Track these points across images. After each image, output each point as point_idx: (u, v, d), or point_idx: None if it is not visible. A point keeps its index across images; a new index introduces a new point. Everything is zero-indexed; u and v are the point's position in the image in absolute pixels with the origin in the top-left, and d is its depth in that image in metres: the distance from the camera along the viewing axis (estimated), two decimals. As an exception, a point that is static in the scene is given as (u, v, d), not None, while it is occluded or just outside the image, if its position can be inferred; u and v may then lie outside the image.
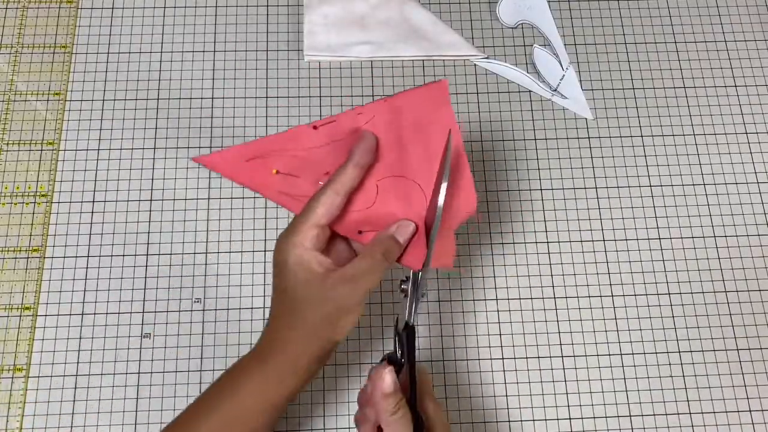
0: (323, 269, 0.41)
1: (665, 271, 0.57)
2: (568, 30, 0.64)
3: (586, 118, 0.61)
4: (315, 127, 0.44)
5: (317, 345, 0.41)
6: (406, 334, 0.41)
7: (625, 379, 0.53)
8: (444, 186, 0.40)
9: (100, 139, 0.59)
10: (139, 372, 0.52)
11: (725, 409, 0.53)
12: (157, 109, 0.60)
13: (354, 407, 0.52)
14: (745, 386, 0.53)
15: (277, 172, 0.44)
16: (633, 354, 0.54)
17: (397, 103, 0.45)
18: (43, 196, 0.57)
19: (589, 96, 0.62)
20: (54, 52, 0.62)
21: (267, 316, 0.54)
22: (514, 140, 0.60)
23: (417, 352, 0.53)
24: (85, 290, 0.54)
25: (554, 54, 0.63)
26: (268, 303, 0.54)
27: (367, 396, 0.41)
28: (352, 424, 0.51)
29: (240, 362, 0.43)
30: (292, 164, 0.44)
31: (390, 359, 0.42)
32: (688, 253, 0.57)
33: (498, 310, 0.55)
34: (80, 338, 0.53)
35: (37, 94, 0.60)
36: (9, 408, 0.51)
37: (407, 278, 0.42)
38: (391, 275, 0.55)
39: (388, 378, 0.39)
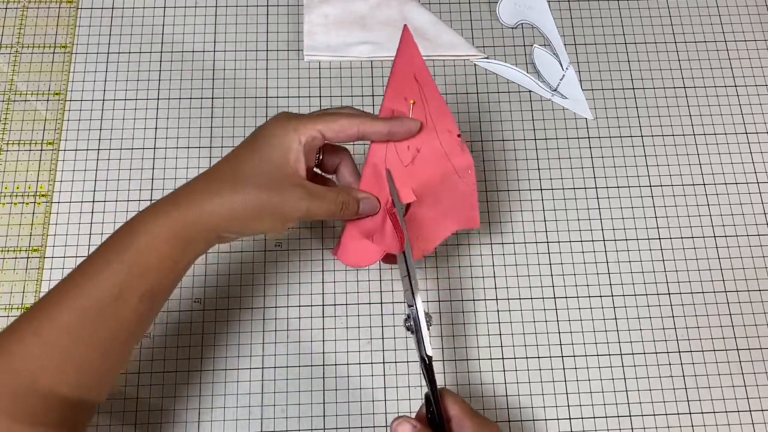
0: (297, 168, 0.40)
1: (665, 271, 0.57)
2: (568, 30, 0.64)
3: (586, 118, 0.61)
4: (459, 135, 0.46)
5: (235, 223, 0.40)
6: (425, 366, 0.42)
7: (625, 379, 0.53)
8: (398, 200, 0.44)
9: (100, 139, 0.59)
10: (139, 372, 0.52)
11: (725, 409, 0.53)
12: (157, 108, 0.60)
13: (354, 407, 0.52)
14: (745, 386, 0.53)
15: (413, 103, 0.46)
16: (633, 354, 0.54)
17: (468, 176, 0.47)
18: (43, 196, 0.57)
19: (589, 96, 0.62)
20: (54, 52, 0.62)
21: (267, 316, 0.54)
22: (514, 140, 0.60)
23: (418, 352, 0.53)
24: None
25: (554, 54, 0.63)
26: (269, 303, 0.54)
27: None
28: (353, 424, 0.51)
29: (144, 212, 0.40)
30: (417, 115, 0.46)
31: (427, 399, 0.42)
32: (688, 253, 0.57)
33: (498, 310, 0.55)
34: (80, 338, 0.53)
35: (37, 94, 0.60)
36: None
37: (408, 315, 0.43)
38: (392, 276, 0.55)
39: (401, 431, 0.39)
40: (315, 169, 0.45)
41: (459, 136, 0.46)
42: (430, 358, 0.42)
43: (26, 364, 0.37)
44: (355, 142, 0.44)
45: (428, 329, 0.42)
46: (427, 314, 0.43)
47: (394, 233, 0.45)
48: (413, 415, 0.42)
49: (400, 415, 0.42)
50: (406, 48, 0.46)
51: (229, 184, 0.39)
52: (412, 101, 0.45)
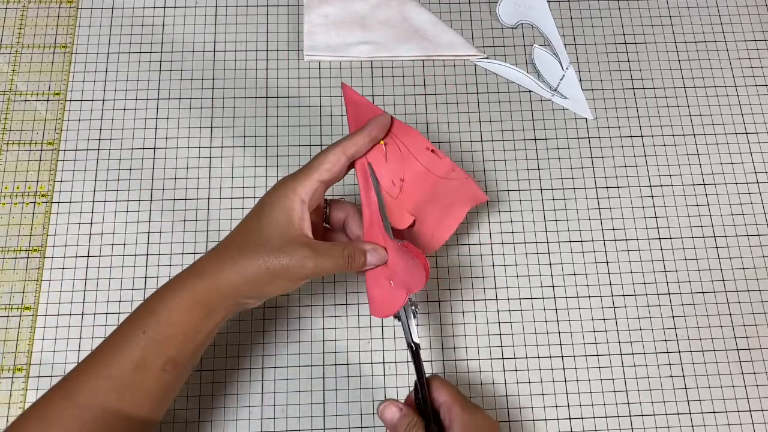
0: (300, 227, 0.42)
1: (665, 271, 0.57)
2: (568, 30, 0.64)
3: (586, 118, 0.61)
4: (433, 150, 0.47)
5: (250, 289, 0.41)
6: (413, 353, 0.43)
7: (625, 379, 0.53)
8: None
9: (100, 139, 0.59)
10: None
11: (725, 409, 0.53)
12: (157, 108, 0.60)
13: (354, 407, 0.52)
14: (745, 386, 0.53)
15: (385, 144, 0.47)
16: (633, 354, 0.54)
17: (454, 174, 0.48)
18: (43, 196, 0.57)
19: (589, 96, 0.62)
20: (54, 52, 0.62)
21: (267, 316, 0.54)
22: (514, 140, 0.60)
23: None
24: (85, 290, 0.54)
25: (554, 54, 0.63)
26: (269, 303, 0.54)
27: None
28: (353, 424, 0.51)
29: (165, 285, 0.42)
30: (391, 148, 0.47)
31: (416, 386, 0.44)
32: (688, 253, 0.57)
33: (498, 310, 0.55)
34: (80, 338, 0.53)
35: (37, 94, 0.60)
36: (9, 408, 0.51)
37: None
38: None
39: (387, 414, 0.42)
40: (324, 225, 0.47)
41: (432, 150, 0.47)
42: (417, 345, 0.43)
43: (63, 425, 0.39)
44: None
45: (414, 317, 0.44)
46: (414, 303, 0.44)
47: (409, 266, 0.44)
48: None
49: (386, 399, 0.43)
50: (349, 100, 0.48)
51: (240, 252, 0.41)
52: (382, 142, 0.47)
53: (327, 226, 0.48)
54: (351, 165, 0.46)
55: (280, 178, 0.44)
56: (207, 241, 0.56)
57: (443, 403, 0.42)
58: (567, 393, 0.53)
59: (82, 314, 0.54)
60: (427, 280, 0.43)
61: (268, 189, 0.45)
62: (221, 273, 0.41)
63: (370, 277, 0.46)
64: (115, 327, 0.42)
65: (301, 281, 0.42)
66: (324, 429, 0.51)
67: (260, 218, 0.42)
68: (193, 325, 0.41)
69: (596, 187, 0.59)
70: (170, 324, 0.40)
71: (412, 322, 0.44)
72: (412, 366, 0.53)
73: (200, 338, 0.42)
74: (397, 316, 0.44)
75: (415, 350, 0.43)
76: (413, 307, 0.44)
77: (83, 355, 0.52)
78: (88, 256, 0.55)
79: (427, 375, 0.44)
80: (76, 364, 0.41)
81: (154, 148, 0.59)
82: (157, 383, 0.41)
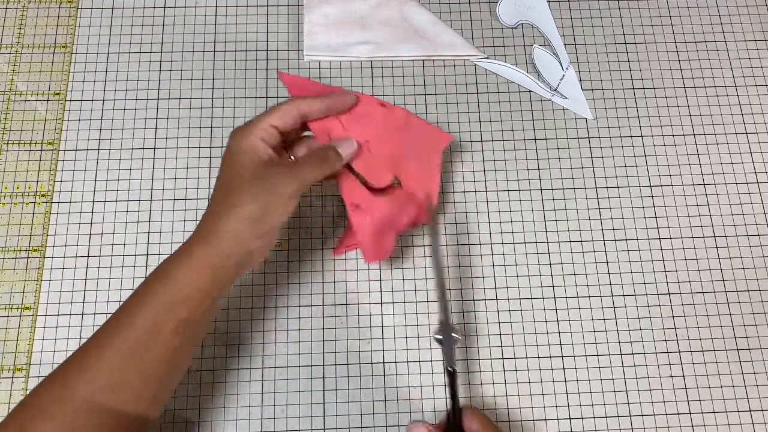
0: (268, 157, 0.44)
1: (665, 271, 0.57)
2: (568, 30, 0.64)
3: (586, 118, 0.61)
4: (382, 104, 0.50)
5: (250, 229, 0.42)
6: (449, 378, 0.44)
7: (625, 379, 0.53)
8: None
9: (100, 139, 0.59)
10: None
11: (725, 409, 0.53)
12: (157, 109, 0.60)
13: (354, 407, 0.52)
14: (745, 386, 0.53)
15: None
16: (633, 354, 0.54)
17: (412, 120, 0.52)
18: (43, 196, 0.57)
19: (589, 96, 0.62)
20: (54, 52, 0.62)
21: (267, 316, 0.54)
22: (514, 140, 0.60)
23: (418, 352, 0.53)
24: (85, 290, 0.54)
25: (554, 54, 0.63)
26: (269, 303, 0.54)
27: None
28: (353, 424, 0.51)
29: (174, 253, 0.43)
30: (347, 118, 0.49)
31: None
32: (688, 253, 0.57)
33: (498, 310, 0.55)
34: (80, 338, 0.53)
35: (37, 94, 0.60)
36: (9, 408, 0.51)
37: (440, 327, 0.46)
38: (391, 276, 0.55)
39: None
40: (291, 158, 0.49)
41: (383, 105, 0.50)
42: (455, 371, 0.44)
43: (79, 391, 0.40)
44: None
45: (456, 343, 0.45)
46: (457, 330, 0.46)
47: (400, 206, 0.49)
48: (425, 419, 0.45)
49: (417, 420, 0.44)
50: (290, 84, 0.51)
51: (227, 204, 0.43)
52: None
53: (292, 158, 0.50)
54: (304, 126, 0.48)
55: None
56: (207, 241, 0.56)
57: None
58: (567, 393, 0.53)
59: (82, 314, 0.54)
60: (424, 215, 0.48)
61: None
62: (219, 227, 0.42)
63: (357, 225, 0.48)
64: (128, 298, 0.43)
65: (293, 200, 0.44)
66: (324, 429, 0.51)
67: (232, 167, 0.44)
68: (201, 288, 0.42)
69: (596, 187, 0.59)
70: (182, 286, 0.41)
71: (454, 348, 0.45)
72: (412, 366, 0.53)
73: (209, 301, 0.42)
74: (439, 340, 0.45)
75: (452, 375, 0.44)
76: (455, 334, 0.45)
77: (83, 355, 0.52)
78: (88, 256, 0.55)
79: (462, 404, 0.44)
80: (93, 334, 0.42)
81: (154, 148, 0.59)
82: (169, 347, 0.41)
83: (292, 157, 0.48)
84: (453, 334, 0.45)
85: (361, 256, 0.54)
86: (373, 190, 0.49)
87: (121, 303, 0.42)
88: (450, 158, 0.59)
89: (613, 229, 0.58)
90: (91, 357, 0.40)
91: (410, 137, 0.51)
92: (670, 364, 0.54)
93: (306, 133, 0.50)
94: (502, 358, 0.54)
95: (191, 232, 0.43)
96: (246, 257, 0.43)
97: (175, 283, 0.41)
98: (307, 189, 0.45)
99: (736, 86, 0.63)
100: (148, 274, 0.54)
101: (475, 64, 0.63)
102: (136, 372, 0.40)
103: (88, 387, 0.39)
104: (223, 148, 0.58)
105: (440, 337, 0.45)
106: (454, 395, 0.43)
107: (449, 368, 0.44)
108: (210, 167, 0.58)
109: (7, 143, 0.58)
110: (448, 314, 0.46)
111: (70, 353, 0.52)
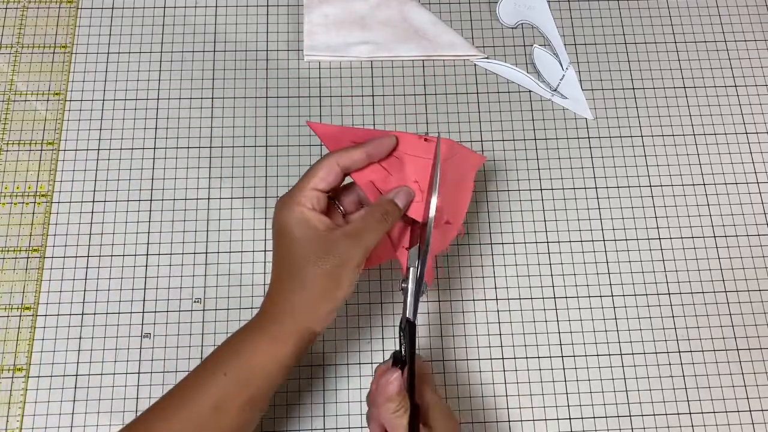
0: (324, 226, 0.42)
1: (665, 271, 0.57)
2: (568, 30, 0.64)
3: (586, 118, 0.61)
4: (426, 139, 0.47)
5: (322, 304, 0.41)
6: (407, 330, 0.42)
7: (625, 379, 0.53)
8: (434, 200, 0.45)
9: (100, 139, 0.59)
10: (139, 372, 0.52)
11: (725, 409, 0.53)
12: (157, 109, 0.60)
13: (354, 407, 0.52)
14: (745, 386, 0.53)
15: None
16: (633, 354, 0.54)
17: (455, 148, 0.49)
18: (43, 196, 0.57)
19: (589, 96, 0.62)
20: (54, 52, 0.62)
21: (267, 316, 0.54)
22: (514, 140, 0.60)
23: (417, 351, 0.53)
24: (85, 290, 0.54)
25: (554, 54, 0.63)
26: (268, 303, 0.54)
27: (373, 395, 0.41)
28: (353, 424, 0.51)
29: (242, 330, 0.43)
30: (390, 162, 0.46)
31: (395, 358, 0.43)
32: (688, 253, 0.57)
33: (498, 310, 0.55)
34: (80, 338, 0.53)
35: (37, 94, 0.60)
36: (9, 408, 0.51)
37: (407, 277, 0.44)
38: (392, 276, 0.55)
39: (395, 385, 0.40)
40: (340, 210, 0.47)
41: (426, 139, 0.47)
42: (413, 324, 0.43)
43: None
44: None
45: (422, 295, 0.43)
46: (424, 283, 0.44)
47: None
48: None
49: (380, 364, 0.43)
50: (321, 134, 0.47)
51: (296, 281, 0.41)
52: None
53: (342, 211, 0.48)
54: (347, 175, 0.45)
55: (277, 198, 0.44)
56: (207, 241, 0.56)
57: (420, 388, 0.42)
58: (567, 393, 0.53)
59: (82, 314, 0.54)
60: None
61: (272, 211, 0.44)
62: (293, 303, 0.41)
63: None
64: (194, 367, 0.42)
65: (360, 268, 0.42)
66: (324, 429, 0.51)
67: (289, 243, 0.42)
68: (276, 363, 0.41)
69: (596, 187, 0.59)
70: (253, 364, 0.41)
71: (415, 301, 0.43)
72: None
73: (280, 376, 0.42)
74: (403, 289, 0.44)
75: (411, 328, 0.42)
76: (423, 288, 0.43)
77: (83, 355, 0.52)
78: (88, 256, 0.55)
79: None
80: (155, 402, 0.41)
81: (154, 148, 0.59)
82: (234, 423, 0.41)
83: (341, 208, 0.46)
84: (420, 288, 0.43)
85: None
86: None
87: (187, 375, 0.42)
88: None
89: (613, 229, 0.58)
90: (157, 428, 0.40)
91: (452, 165, 0.48)
92: (670, 364, 0.54)
93: (348, 179, 0.47)
94: (502, 358, 0.54)
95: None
96: (318, 329, 0.43)
97: (246, 361, 0.41)
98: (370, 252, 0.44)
99: (736, 86, 0.63)
100: (147, 273, 0.55)
101: (475, 64, 0.63)
102: None
103: None
104: (223, 149, 0.59)
105: (404, 286, 0.43)
106: (411, 348, 0.42)
107: (408, 319, 0.42)
108: (210, 167, 0.58)
109: (7, 143, 0.58)
110: (422, 266, 0.43)
111: (69, 353, 0.52)
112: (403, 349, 0.43)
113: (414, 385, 0.41)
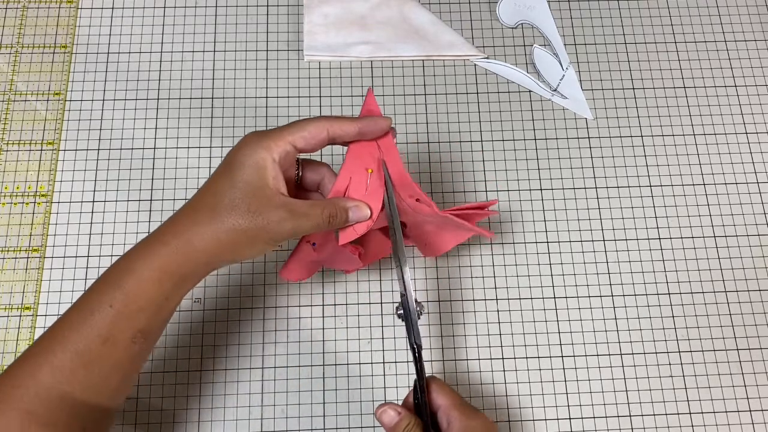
0: (275, 189, 0.40)
1: (665, 271, 0.57)
2: (568, 30, 0.64)
3: (586, 118, 0.61)
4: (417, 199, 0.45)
5: (222, 255, 0.39)
6: (415, 354, 0.42)
7: (625, 379, 0.53)
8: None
9: (100, 139, 0.59)
10: (138, 372, 0.52)
11: (725, 409, 0.53)
12: (157, 109, 0.60)
13: (354, 407, 0.52)
14: (745, 386, 0.53)
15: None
16: (633, 354, 0.54)
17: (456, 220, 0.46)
18: (43, 196, 0.57)
19: (589, 96, 0.62)
20: (54, 52, 0.62)
21: (267, 316, 0.54)
22: (514, 140, 0.60)
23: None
24: (84, 290, 0.54)
25: (554, 54, 0.63)
26: (269, 303, 0.54)
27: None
28: (353, 424, 0.51)
29: (132, 251, 0.40)
30: (374, 186, 0.44)
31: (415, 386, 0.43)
32: (688, 253, 0.57)
33: (498, 310, 0.55)
34: (80, 338, 0.53)
35: (37, 94, 0.60)
36: (9, 408, 0.51)
37: (400, 303, 0.43)
38: (392, 276, 0.55)
39: (388, 414, 0.40)
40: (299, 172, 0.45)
41: (417, 200, 0.45)
42: (419, 346, 0.42)
43: (24, 404, 0.37)
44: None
45: (419, 317, 0.42)
46: (418, 303, 0.43)
47: (380, 239, 0.45)
48: (400, 403, 0.42)
49: (384, 402, 0.42)
50: (367, 107, 0.44)
51: (211, 215, 0.39)
52: (369, 170, 0.44)
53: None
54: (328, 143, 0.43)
55: (248, 132, 0.42)
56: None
57: (441, 406, 0.41)
58: (567, 393, 0.53)
59: (82, 314, 0.53)
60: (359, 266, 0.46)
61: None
62: (193, 239, 0.39)
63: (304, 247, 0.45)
64: (79, 297, 0.40)
65: (279, 242, 0.41)
66: (324, 429, 0.51)
67: (232, 177, 0.39)
68: (163, 295, 0.39)
69: (596, 187, 0.59)
70: (139, 297, 0.39)
71: (417, 323, 0.42)
72: (411, 366, 0.53)
73: (169, 308, 0.40)
74: (400, 315, 0.43)
75: (417, 351, 0.42)
76: (418, 308, 0.43)
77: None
78: (88, 256, 0.55)
79: (426, 376, 0.44)
80: (39, 337, 0.39)
81: (154, 148, 0.59)
82: (125, 355, 0.39)
83: (299, 173, 0.44)
84: (417, 309, 0.42)
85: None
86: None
87: (71, 307, 0.40)
88: (450, 158, 0.59)
89: (613, 229, 0.58)
90: (41, 364, 0.38)
91: (451, 223, 0.47)
92: (670, 364, 0.54)
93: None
94: (502, 358, 0.54)
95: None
96: (210, 271, 0.41)
97: (134, 292, 0.39)
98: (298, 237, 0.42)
99: (736, 86, 0.63)
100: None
101: (475, 64, 0.63)
102: (95, 374, 0.38)
103: (49, 378, 0.38)
104: (223, 149, 0.59)
105: (401, 312, 0.43)
106: (419, 371, 0.42)
107: (414, 344, 0.42)
108: (210, 167, 0.58)
109: (7, 143, 0.58)
110: (408, 290, 0.42)
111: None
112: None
113: (426, 406, 0.41)
